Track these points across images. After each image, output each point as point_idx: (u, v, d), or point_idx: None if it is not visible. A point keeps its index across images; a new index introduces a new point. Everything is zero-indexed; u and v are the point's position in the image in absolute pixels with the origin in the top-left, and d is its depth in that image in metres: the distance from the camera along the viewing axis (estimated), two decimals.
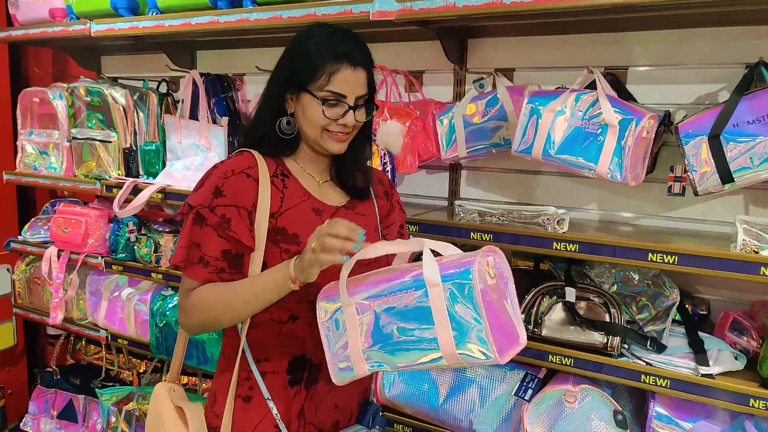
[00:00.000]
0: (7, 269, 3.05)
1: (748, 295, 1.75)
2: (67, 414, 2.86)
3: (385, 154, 1.96)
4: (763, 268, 1.39)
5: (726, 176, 1.47)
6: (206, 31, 2.17)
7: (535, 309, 1.76)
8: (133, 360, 2.95)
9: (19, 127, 2.76)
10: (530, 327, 1.74)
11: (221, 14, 2.07)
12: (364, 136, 1.37)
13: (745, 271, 1.41)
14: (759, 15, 1.62)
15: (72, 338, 3.11)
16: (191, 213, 1.25)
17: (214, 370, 2.24)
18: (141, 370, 2.91)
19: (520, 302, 1.76)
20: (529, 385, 1.72)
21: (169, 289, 2.40)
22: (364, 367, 1.13)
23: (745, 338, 1.65)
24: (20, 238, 2.81)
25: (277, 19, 1.96)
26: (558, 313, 1.73)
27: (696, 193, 1.53)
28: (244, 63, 2.66)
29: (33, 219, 2.86)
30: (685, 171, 1.55)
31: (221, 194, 1.24)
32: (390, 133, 1.93)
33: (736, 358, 1.57)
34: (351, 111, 1.26)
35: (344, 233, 1.08)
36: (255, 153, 1.30)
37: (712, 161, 1.48)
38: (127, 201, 2.35)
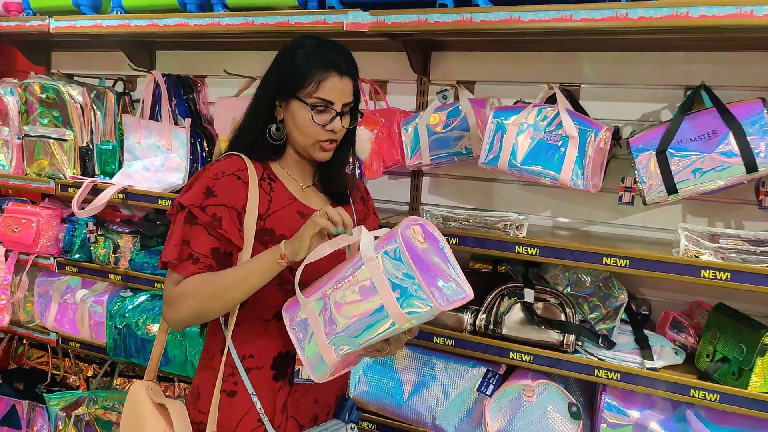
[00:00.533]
0: None
1: (686, 296, 1.93)
2: (10, 420, 2.76)
3: (352, 159, 2.02)
4: (702, 271, 1.55)
5: (671, 188, 1.62)
6: (174, 33, 2.17)
7: (495, 309, 1.87)
8: (81, 364, 2.88)
9: None
10: (491, 326, 1.85)
11: (191, 17, 2.08)
12: (347, 143, 1.44)
13: (687, 273, 1.56)
14: (698, 42, 1.79)
15: (14, 342, 3.00)
16: (182, 212, 1.27)
17: (175, 371, 2.25)
18: (89, 375, 2.85)
19: (481, 304, 1.88)
20: (491, 381, 1.83)
21: (128, 290, 2.37)
22: (332, 355, 1.20)
23: (684, 335, 1.81)
24: None
25: (249, 25, 1.99)
26: (517, 313, 1.85)
27: (645, 203, 1.68)
28: (206, 65, 2.67)
29: None
30: (635, 182, 1.69)
31: (212, 194, 1.27)
32: (359, 140, 2.00)
33: (676, 353, 1.73)
34: (338, 117, 1.32)
35: (339, 218, 1.17)
36: (244, 156, 1.34)
37: (659, 174, 1.63)
38: (86, 201, 2.31)
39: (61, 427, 2.55)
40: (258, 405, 1.31)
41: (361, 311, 1.17)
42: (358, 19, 1.82)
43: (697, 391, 1.57)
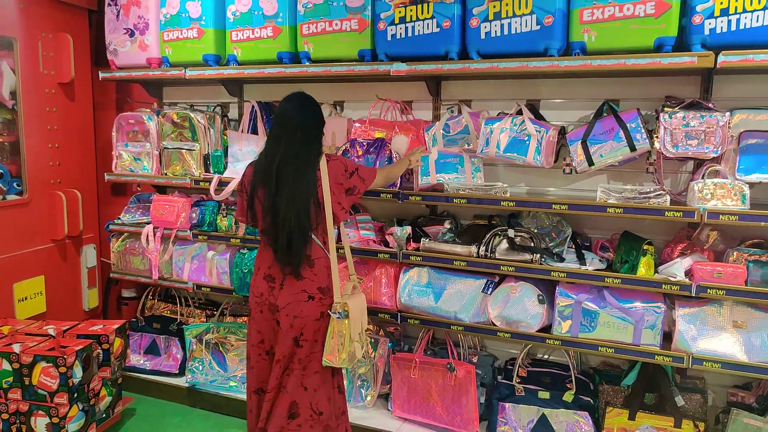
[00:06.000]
0: (93, 247, 4.04)
1: (609, 231, 3.07)
2: (152, 350, 3.88)
3: (396, 154, 3.15)
4: (608, 209, 2.68)
5: (590, 162, 2.76)
6: (274, 78, 3.30)
7: (490, 243, 3.00)
8: (196, 311, 4.01)
9: (114, 140, 3.78)
10: (488, 254, 2.98)
11: (287, 67, 3.21)
12: None
13: (600, 210, 2.69)
14: (605, 73, 2.92)
15: (143, 298, 4.11)
16: (358, 170, 2.62)
17: None
18: (203, 319, 3.96)
19: (481, 244, 3.00)
20: (490, 286, 2.97)
21: (245, 249, 3.49)
22: None
23: (607, 253, 2.96)
24: (118, 221, 3.82)
25: (327, 72, 3.12)
26: (504, 244, 2.98)
27: (576, 172, 2.83)
28: (279, 94, 3.76)
29: (125, 207, 3.87)
30: (572, 160, 2.83)
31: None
32: (400, 143, 3.13)
33: (600, 261, 2.87)
34: None
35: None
36: None
37: (584, 154, 2.77)
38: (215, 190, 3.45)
39: (194, 350, 3.68)
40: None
41: None
42: (399, 67, 2.96)
43: (608, 279, 2.71)
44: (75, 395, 2.96)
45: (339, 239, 2.95)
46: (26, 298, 3.53)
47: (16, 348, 2.94)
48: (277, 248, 2.49)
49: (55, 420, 2.90)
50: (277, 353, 2.56)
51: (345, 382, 2.85)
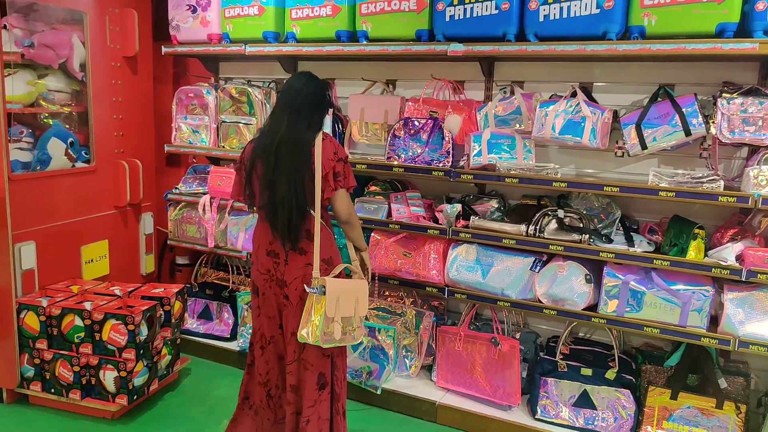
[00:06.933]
0: (151, 215, 4.23)
1: (658, 215, 3.11)
2: (205, 315, 4.07)
3: (450, 133, 3.23)
4: (660, 192, 2.72)
5: (643, 146, 2.80)
6: (330, 56, 3.39)
7: (539, 223, 3.07)
8: (247, 279, 4.17)
9: (174, 113, 3.93)
10: (537, 233, 3.05)
11: (345, 45, 3.30)
12: None
13: (652, 194, 2.74)
14: (663, 58, 2.93)
15: (196, 266, 4.29)
16: (347, 162, 2.52)
17: None
18: None
19: (530, 223, 3.07)
20: (538, 264, 3.05)
21: None
22: None
23: (655, 236, 3.00)
24: (175, 190, 3.99)
25: (384, 51, 3.20)
26: (553, 224, 3.05)
27: (629, 155, 2.87)
28: (333, 71, 3.87)
29: (182, 178, 4.04)
30: (624, 143, 2.87)
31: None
32: (453, 122, 3.21)
33: (648, 244, 2.92)
34: None
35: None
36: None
37: (637, 138, 2.80)
38: None
39: (245, 316, 3.84)
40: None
41: None
42: (456, 48, 3.02)
43: (657, 261, 2.76)
44: (141, 352, 3.15)
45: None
46: (92, 261, 3.74)
47: (88, 306, 3.14)
48: (277, 224, 2.47)
49: (123, 374, 3.10)
50: (290, 328, 2.55)
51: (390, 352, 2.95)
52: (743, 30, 2.56)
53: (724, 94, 2.66)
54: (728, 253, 2.65)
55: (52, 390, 3.22)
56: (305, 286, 2.45)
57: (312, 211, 2.48)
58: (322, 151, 2.46)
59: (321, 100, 2.55)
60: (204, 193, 3.86)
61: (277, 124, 2.49)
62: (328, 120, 3.62)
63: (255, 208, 2.61)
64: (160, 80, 4.29)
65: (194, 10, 3.71)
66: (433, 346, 3.49)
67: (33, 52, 3.43)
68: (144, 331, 3.16)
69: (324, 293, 2.40)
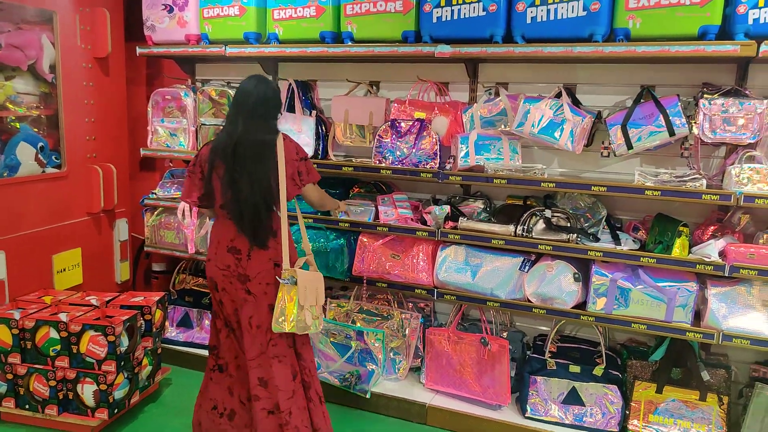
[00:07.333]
0: (125, 221, 4.10)
1: (641, 213, 3.18)
2: (184, 323, 3.96)
3: (436, 135, 3.23)
4: (647, 192, 2.78)
5: (629, 146, 2.86)
6: (311, 57, 3.35)
7: (527, 223, 3.10)
8: None
9: (150, 116, 3.82)
10: (525, 233, 3.08)
11: (330, 47, 3.27)
12: None
13: (638, 192, 2.80)
14: (647, 59, 3.00)
15: (174, 273, 4.18)
16: (307, 159, 2.68)
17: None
18: None
19: (519, 223, 3.10)
20: (527, 264, 3.08)
21: None
22: None
23: (639, 233, 3.07)
24: (152, 195, 3.88)
25: (371, 53, 3.18)
26: (540, 224, 3.08)
27: (615, 155, 2.92)
28: (315, 73, 3.83)
29: (160, 182, 3.93)
30: (610, 143, 2.93)
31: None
32: (440, 124, 3.21)
33: (634, 242, 2.98)
34: None
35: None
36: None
37: (623, 138, 2.86)
38: None
39: None
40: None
41: None
42: (443, 49, 3.02)
43: (644, 258, 2.82)
44: (121, 363, 3.04)
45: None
46: (64, 270, 3.59)
47: (63, 317, 3.01)
48: (242, 222, 2.57)
49: (103, 387, 2.99)
50: (254, 321, 2.63)
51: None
52: (724, 32, 2.64)
53: (705, 95, 2.74)
54: (711, 249, 2.73)
55: (27, 406, 3.07)
56: (277, 277, 2.58)
57: (277, 210, 2.61)
58: (285, 151, 2.59)
59: (273, 101, 2.63)
60: None
61: (232, 126, 2.59)
62: (311, 122, 3.59)
63: (213, 208, 2.69)
64: (132, 82, 4.17)
65: (170, 10, 3.61)
66: (421, 348, 3.48)
67: (0, 53, 3.28)
68: (125, 341, 3.05)
69: (295, 283, 2.55)
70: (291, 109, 3.64)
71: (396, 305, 3.59)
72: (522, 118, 3.03)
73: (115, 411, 3.06)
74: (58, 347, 3.02)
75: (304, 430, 2.65)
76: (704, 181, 2.72)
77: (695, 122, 2.75)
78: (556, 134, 2.95)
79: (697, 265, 2.74)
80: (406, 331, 3.46)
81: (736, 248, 2.69)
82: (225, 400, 2.77)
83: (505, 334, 3.37)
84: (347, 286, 3.74)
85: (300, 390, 2.69)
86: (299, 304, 2.55)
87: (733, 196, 2.64)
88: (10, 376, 3.07)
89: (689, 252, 2.81)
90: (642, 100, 2.91)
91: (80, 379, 3.02)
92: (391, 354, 3.48)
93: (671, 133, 2.77)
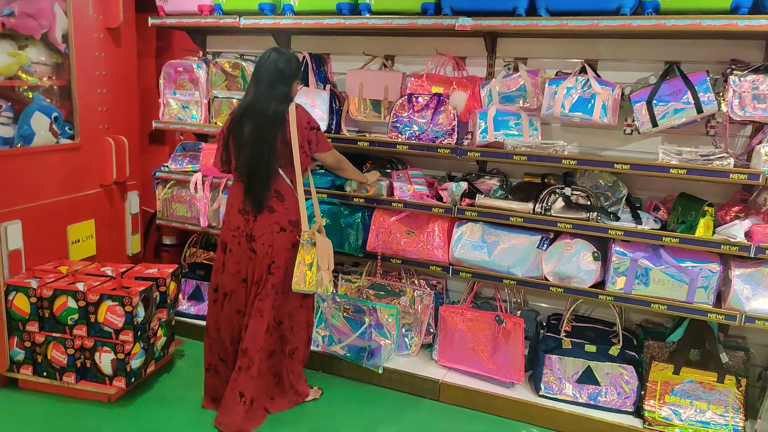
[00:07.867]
0: (137, 194, 4.06)
1: (663, 192, 3.12)
2: (195, 296, 3.96)
3: (454, 110, 3.17)
4: (671, 170, 2.72)
5: (654, 123, 2.79)
6: (325, 30, 3.27)
7: (546, 201, 3.05)
8: None
9: (162, 88, 3.76)
10: (544, 211, 3.03)
11: (347, 18, 3.19)
12: None
13: (663, 171, 2.73)
14: (672, 34, 2.92)
15: (186, 246, 4.16)
16: (319, 130, 2.81)
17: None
18: None
19: (537, 201, 3.05)
20: (545, 242, 3.04)
21: None
22: None
23: (660, 213, 3.02)
24: (164, 168, 3.84)
25: (388, 24, 3.10)
26: (560, 202, 3.03)
27: (639, 133, 2.86)
28: (329, 46, 3.75)
29: (171, 155, 3.88)
30: (633, 121, 2.86)
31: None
32: (458, 99, 3.15)
33: (655, 221, 2.93)
34: None
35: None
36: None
37: (648, 115, 2.79)
38: None
39: None
40: None
41: None
42: (465, 22, 2.94)
43: (666, 238, 2.77)
44: (138, 333, 3.04)
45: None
46: (79, 241, 3.58)
47: (81, 287, 3.00)
48: (248, 183, 2.75)
49: (121, 356, 2.99)
50: (255, 277, 2.85)
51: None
52: (757, 6, 2.56)
53: (735, 72, 2.66)
54: (737, 230, 2.67)
55: (45, 373, 3.08)
56: (298, 238, 2.79)
57: (282, 173, 2.77)
58: (297, 119, 2.73)
59: (287, 71, 2.77)
60: (194, 171, 3.72)
61: (246, 95, 2.82)
62: (325, 96, 3.53)
63: (232, 171, 2.88)
64: (142, 54, 4.10)
65: None
66: (433, 325, 3.46)
67: (14, 21, 3.22)
68: (141, 312, 3.04)
69: (314, 245, 2.76)
70: (305, 82, 3.57)
71: (408, 282, 3.57)
72: (550, 101, 2.96)
73: (132, 380, 3.06)
74: (76, 316, 3.01)
75: (265, 378, 2.92)
76: (732, 160, 2.66)
77: (724, 99, 2.68)
78: (589, 107, 2.89)
79: (722, 246, 2.69)
80: (418, 308, 3.44)
81: (763, 229, 2.63)
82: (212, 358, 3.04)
83: (518, 312, 3.34)
84: (359, 262, 3.71)
85: (273, 345, 2.91)
86: (318, 264, 2.75)
87: (762, 175, 2.58)
88: (28, 344, 3.08)
89: (713, 232, 2.76)
90: (668, 77, 2.83)
91: (98, 348, 3.02)
92: (403, 330, 3.46)
93: (699, 110, 2.70)
